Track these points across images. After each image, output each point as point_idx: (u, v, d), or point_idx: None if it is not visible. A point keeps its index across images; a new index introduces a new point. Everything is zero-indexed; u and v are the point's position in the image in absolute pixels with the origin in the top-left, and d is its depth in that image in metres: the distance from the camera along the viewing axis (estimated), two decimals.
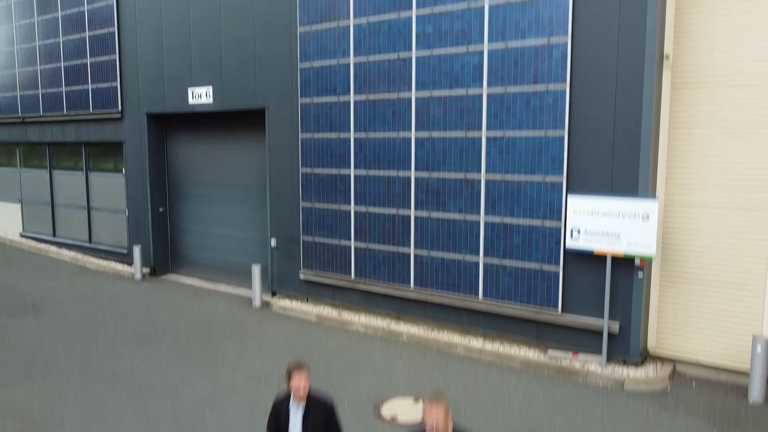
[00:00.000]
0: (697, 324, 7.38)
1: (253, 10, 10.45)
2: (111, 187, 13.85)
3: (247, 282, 11.76)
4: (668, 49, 7.27)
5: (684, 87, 7.26)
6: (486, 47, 7.98)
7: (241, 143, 11.51)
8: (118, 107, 12.95)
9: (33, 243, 15.71)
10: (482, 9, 7.94)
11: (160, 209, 12.96)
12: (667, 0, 7.20)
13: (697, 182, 7.27)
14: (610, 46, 7.13)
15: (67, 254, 14.60)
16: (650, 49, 6.91)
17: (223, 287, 12.01)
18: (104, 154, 13.91)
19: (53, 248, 15.12)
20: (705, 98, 7.14)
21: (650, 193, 7.19)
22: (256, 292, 10.55)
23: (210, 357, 8.09)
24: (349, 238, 9.67)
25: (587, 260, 7.51)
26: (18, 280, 12.37)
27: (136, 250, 12.55)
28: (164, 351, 8.33)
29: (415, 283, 9.01)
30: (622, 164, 7.17)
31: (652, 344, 7.68)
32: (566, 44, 7.37)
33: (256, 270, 10.49)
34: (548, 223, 7.74)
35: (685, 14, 7.19)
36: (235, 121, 11.53)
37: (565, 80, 7.43)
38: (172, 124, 12.75)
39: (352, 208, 9.56)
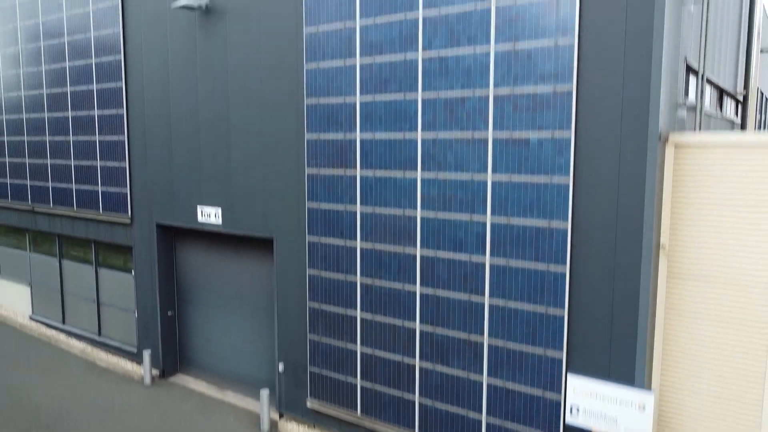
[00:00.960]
0: None
1: (261, 142, 10.76)
2: (121, 285, 14.15)
3: (254, 393, 12.07)
4: (664, 239, 7.58)
5: (679, 278, 7.57)
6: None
7: (251, 261, 11.81)
8: (128, 213, 13.25)
9: (42, 329, 16.00)
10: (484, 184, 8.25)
11: (169, 312, 13.26)
12: (663, 193, 7.51)
13: (690, 368, 7.58)
14: (608, 232, 7.42)
15: (76, 346, 14.89)
16: (647, 239, 7.21)
17: (230, 396, 12.31)
18: (114, 251, 14.20)
19: (62, 337, 15.41)
20: (698, 291, 7.45)
21: (646, 378, 7.50)
22: (264, 417, 10.86)
23: None
24: (356, 376, 9.97)
25: None
26: (27, 385, 12.66)
27: (146, 355, 12.85)
28: None
29: (420, 429, 9.31)
30: (619, 351, 7.48)
31: None
32: (566, 230, 7.67)
33: (264, 395, 10.79)
34: (549, 395, 8.04)
35: (679, 208, 7.50)
36: (244, 243, 11.83)
37: (565, 263, 7.74)
38: (181, 233, 13.04)
39: (359, 348, 9.87)
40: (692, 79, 9.07)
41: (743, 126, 13.63)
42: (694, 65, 8.93)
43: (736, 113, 14.54)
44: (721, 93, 12.08)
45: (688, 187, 7.43)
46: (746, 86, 13.76)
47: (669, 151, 7.46)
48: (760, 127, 19.07)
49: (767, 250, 7.01)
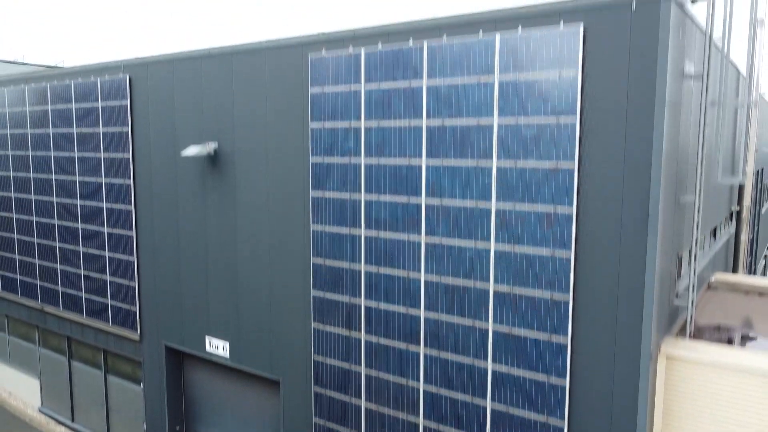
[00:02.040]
0: None
1: (270, 283, 11.11)
2: (129, 394, 14.49)
3: None
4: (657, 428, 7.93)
5: None
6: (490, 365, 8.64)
7: (258, 396, 12.15)
8: (137, 331, 13.59)
9: (51, 426, 16.34)
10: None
11: (177, 428, 13.60)
12: (656, 391, 7.86)
13: None
14: (606, 386, 7.77)
15: None
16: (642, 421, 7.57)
17: None
18: (124, 360, 14.54)
19: None
20: None
21: None
22: None
23: None
24: None
25: None
26: None
27: None
28: None
29: None
30: None
31: None
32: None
33: None
34: None
35: (671, 419, 7.85)
36: (252, 376, 12.17)
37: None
38: (190, 355, 13.38)
39: None
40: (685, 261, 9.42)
41: (737, 242, 13.97)
42: (687, 260, 9.31)
43: (730, 220, 14.89)
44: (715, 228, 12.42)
45: (679, 400, 7.76)
46: (739, 202, 14.10)
47: (661, 363, 7.81)
48: (752, 246, 19.25)
49: None
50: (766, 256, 27.80)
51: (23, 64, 51.53)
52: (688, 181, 8.84)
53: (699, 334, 9.05)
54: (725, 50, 8.41)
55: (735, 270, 13.99)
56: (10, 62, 47.73)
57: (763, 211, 23.10)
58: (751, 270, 19.96)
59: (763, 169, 22.89)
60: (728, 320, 9.84)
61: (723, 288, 11.65)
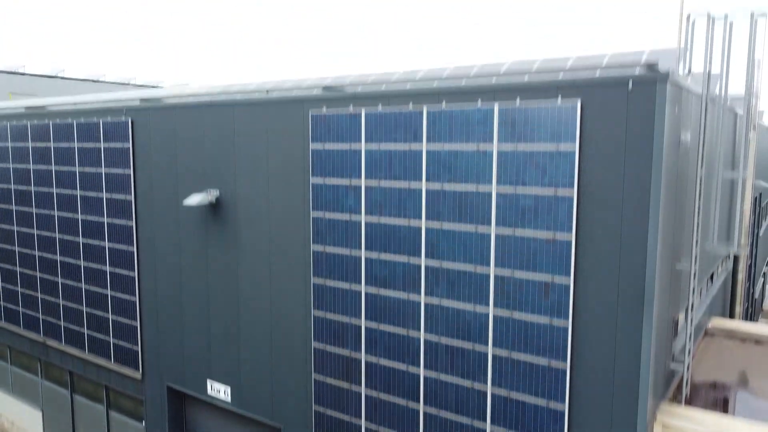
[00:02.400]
0: None
1: (271, 344, 11.22)
2: (131, 431, 14.59)
3: None
4: None
5: None
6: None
7: None
8: (138, 370, 13.70)
9: None
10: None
11: None
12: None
13: None
14: None
15: None
16: None
17: None
18: (126, 397, 14.65)
19: None
20: None
21: None
22: None
23: None
24: None
25: None
26: None
27: None
28: None
29: None
30: None
31: None
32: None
33: None
34: None
35: None
36: (252, 422, 12.28)
37: None
38: (192, 396, 13.50)
39: None
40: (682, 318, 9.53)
41: (734, 285, 14.08)
42: (683, 320, 9.42)
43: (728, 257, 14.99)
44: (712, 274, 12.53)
45: None
46: (735, 266, 14.19)
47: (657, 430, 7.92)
48: (750, 270, 19.31)
49: None
50: (765, 273, 27.95)
51: (22, 74, 51.60)
52: (683, 247, 8.95)
53: (695, 392, 9.17)
54: (720, 121, 8.54)
55: (732, 312, 14.11)
56: (10, 72, 47.86)
57: (761, 232, 23.22)
58: (750, 295, 20.07)
59: (761, 194, 23.01)
60: (724, 374, 9.95)
61: (720, 335, 11.76)
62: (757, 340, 11.43)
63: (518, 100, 8.05)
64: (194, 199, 11.28)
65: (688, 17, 8.50)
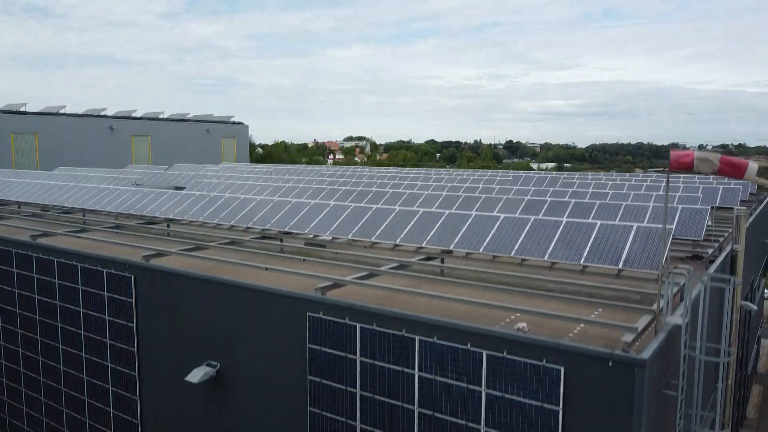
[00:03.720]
0: None
1: None
2: None
3: None
4: None
5: None
6: None
7: None
8: None
9: None
10: None
11: None
12: None
13: None
14: None
15: None
16: None
17: None
18: None
19: None
20: None
21: None
22: None
23: None
24: None
25: None
26: None
27: None
28: None
29: None
30: None
31: None
32: None
33: None
34: None
35: None
36: None
37: None
38: None
39: None
40: None
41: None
42: None
43: None
44: None
45: None
46: None
47: None
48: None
49: None
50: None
51: (23, 113, 51.93)
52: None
53: None
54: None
55: None
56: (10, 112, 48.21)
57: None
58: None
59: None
60: None
61: None
62: None
63: (505, 352, 8.44)
64: (195, 376, 11.67)
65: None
